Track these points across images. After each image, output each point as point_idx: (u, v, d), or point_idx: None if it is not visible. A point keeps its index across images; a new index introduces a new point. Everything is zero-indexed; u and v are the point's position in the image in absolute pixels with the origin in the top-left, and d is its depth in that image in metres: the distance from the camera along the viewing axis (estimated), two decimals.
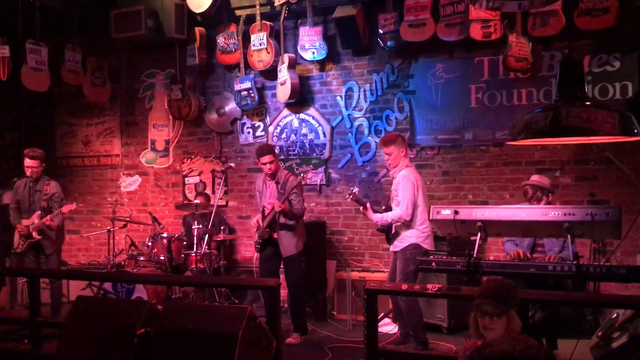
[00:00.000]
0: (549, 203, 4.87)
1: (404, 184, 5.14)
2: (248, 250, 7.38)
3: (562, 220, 3.76)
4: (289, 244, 5.59)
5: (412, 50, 6.50)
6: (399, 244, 5.23)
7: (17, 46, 6.49)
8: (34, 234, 6.04)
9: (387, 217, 5.20)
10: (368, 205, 5.36)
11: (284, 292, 6.05)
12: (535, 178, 5.02)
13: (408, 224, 5.17)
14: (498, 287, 2.89)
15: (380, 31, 6.32)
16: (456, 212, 4.05)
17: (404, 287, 4.20)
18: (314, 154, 7.08)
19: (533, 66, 5.89)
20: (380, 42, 6.43)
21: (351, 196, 5.40)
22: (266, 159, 5.61)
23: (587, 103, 3.29)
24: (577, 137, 3.13)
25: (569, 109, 2.45)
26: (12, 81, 6.53)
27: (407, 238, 5.19)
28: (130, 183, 8.06)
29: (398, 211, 5.12)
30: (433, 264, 4.23)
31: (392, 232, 5.30)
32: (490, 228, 4.06)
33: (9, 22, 6.45)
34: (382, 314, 5.63)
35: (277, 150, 6.85)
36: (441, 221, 4.16)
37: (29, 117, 8.48)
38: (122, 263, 6.67)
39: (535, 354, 1.57)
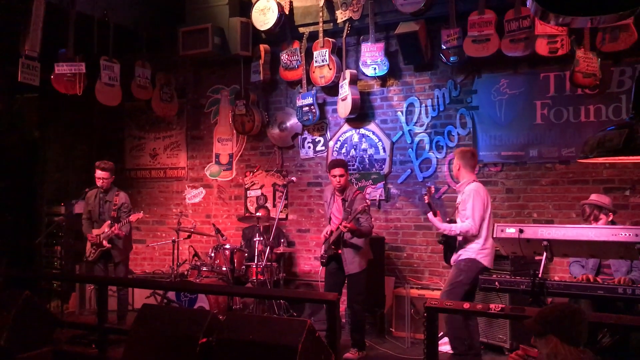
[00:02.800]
0: (612, 222, 4.70)
1: (475, 198, 5.07)
2: (307, 264, 7.44)
3: (634, 241, 3.63)
4: (352, 261, 5.60)
5: (475, 65, 6.44)
6: (456, 257, 5.18)
7: (92, 63, 6.80)
8: (104, 242, 6.30)
9: (456, 228, 5.11)
10: (438, 212, 5.32)
11: (342, 307, 6.07)
12: (593, 197, 4.88)
13: (470, 239, 5.09)
14: (547, 308, 2.85)
15: (443, 47, 6.29)
16: (521, 231, 3.97)
17: (466, 305, 4.13)
18: (374, 169, 7.08)
19: (602, 82, 5.72)
20: (443, 57, 6.39)
21: (426, 195, 5.31)
22: (337, 171, 5.65)
23: None
24: None
25: None
26: (86, 96, 6.85)
27: (465, 252, 5.12)
28: (194, 195, 8.28)
29: (467, 224, 5.03)
30: (496, 283, 4.15)
31: (456, 244, 5.22)
32: (557, 248, 3.95)
33: (85, 40, 6.78)
34: (442, 333, 5.55)
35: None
36: (505, 239, 4.08)
37: (100, 130, 8.87)
38: (185, 273, 6.85)
39: None
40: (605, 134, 2.51)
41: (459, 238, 5.17)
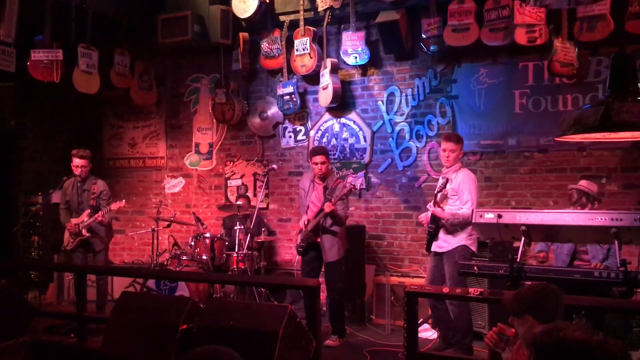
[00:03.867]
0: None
1: (470, 183, 5.03)
2: (288, 253, 7.44)
3: (610, 225, 3.68)
4: (331, 249, 5.61)
5: (455, 55, 6.48)
6: (445, 245, 5.07)
7: (69, 50, 6.70)
8: (84, 231, 6.22)
9: (459, 215, 4.95)
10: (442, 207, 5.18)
11: (323, 295, 6.08)
12: (583, 183, 4.92)
13: (458, 226, 5.02)
14: (524, 289, 2.90)
15: (423, 36, 6.31)
16: (499, 216, 4.01)
17: (445, 290, 4.18)
18: (354, 158, 7.10)
19: (579, 72, 5.79)
20: (423, 47, 6.42)
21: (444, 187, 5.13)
22: (318, 158, 5.64)
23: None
24: (629, 133, 3.04)
25: (621, 104, 2.40)
26: (64, 84, 6.75)
27: (455, 239, 5.03)
28: (174, 185, 8.23)
29: (467, 210, 4.91)
30: (475, 268, 4.18)
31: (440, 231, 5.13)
32: (535, 233, 4.00)
33: (63, 27, 6.67)
34: (422, 319, 5.60)
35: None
36: (484, 225, 4.11)
37: (79, 119, 8.76)
38: (165, 262, 6.80)
39: (613, 348, 1.46)
40: (582, 111, 2.55)
41: (453, 223, 5.04)
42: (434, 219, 5.12)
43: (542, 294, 2.74)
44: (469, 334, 5.08)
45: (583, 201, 4.76)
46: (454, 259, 4.96)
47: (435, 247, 5.17)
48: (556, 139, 3.60)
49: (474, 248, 5.08)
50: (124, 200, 6.27)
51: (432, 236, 5.18)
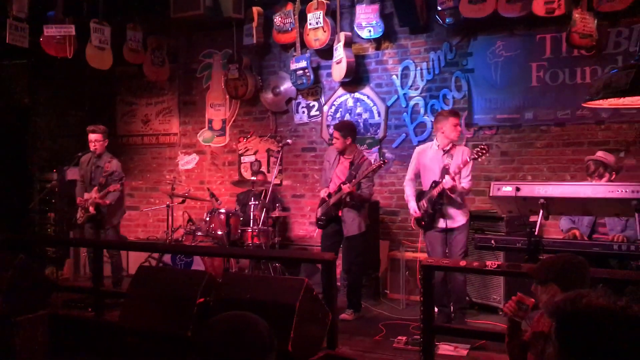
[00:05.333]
0: (611, 182, 4.70)
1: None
2: (301, 229, 7.44)
3: (630, 197, 3.63)
4: (352, 223, 5.60)
5: (471, 27, 6.37)
6: (459, 219, 5.19)
7: (82, 26, 6.68)
8: (91, 208, 6.22)
9: (466, 187, 5.18)
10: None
11: (338, 270, 6.09)
12: (600, 153, 4.84)
13: (461, 201, 5.21)
14: (553, 257, 2.92)
15: (439, 8, 6.22)
16: (517, 189, 3.96)
17: (462, 263, 4.16)
18: (368, 134, 7.05)
19: (598, 43, 5.68)
20: (439, 19, 6.33)
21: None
22: (335, 134, 5.70)
23: None
24: None
25: None
26: (77, 61, 6.74)
27: (462, 215, 5.21)
28: (187, 161, 8.23)
29: (469, 184, 5.18)
30: (492, 241, 4.16)
31: (444, 208, 5.19)
32: (553, 206, 3.95)
33: (75, 2, 6.65)
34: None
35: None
36: (502, 198, 4.07)
37: (92, 95, 8.75)
38: (180, 238, 6.82)
39: (637, 311, 1.44)
40: (611, 75, 2.49)
41: (456, 197, 5.16)
42: (441, 195, 5.13)
43: (569, 264, 2.75)
44: (464, 298, 5.34)
45: (600, 171, 4.68)
46: (467, 231, 5.22)
47: (442, 223, 5.19)
48: (583, 104, 3.52)
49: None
50: (118, 185, 6.21)
51: (436, 213, 5.19)
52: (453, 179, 5.01)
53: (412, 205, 5.35)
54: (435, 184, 5.18)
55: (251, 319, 1.59)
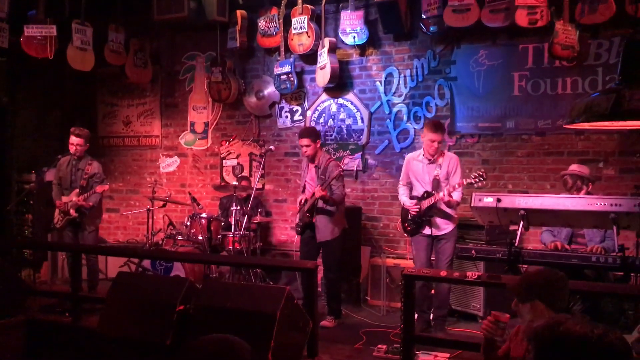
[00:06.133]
0: (588, 193, 4.77)
1: (459, 167, 5.25)
2: (283, 234, 7.43)
3: (609, 210, 3.69)
4: (324, 229, 5.61)
5: (454, 36, 6.41)
6: (446, 227, 5.22)
7: (63, 26, 6.59)
8: (72, 211, 6.14)
9: (458, 199, 5.18)
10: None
11: (319, 276, 6.09)
12: (574, 167, 4.93)
13: (449, 208, 5.21)
14: (532, 273, 2.92)
15: (423, 16, 6.25)
16: (499, 200, 4.01)
17: (443, 273, 4.18)
18: (352, 140, 7.06)
19: (579, 55, 5.74)
20: (423, 27, 6.35)
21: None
22: (303, 141, 5.67)
23: None
24: None
25: (633, 92, 2.37)
26: (58, 61, 6.65)
27: (450, 222, 5.23)
28: (169, 164, 8.17)
29: (460, 194, 5.17)
30: (473, 251, 4.19)
31: (433, 215, 5.23)
32: (533, 217, 4.00)
33: (56, 2, 6.56)
34: None
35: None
36: (483, 209, 4.12)
37: (73, 96, 8.64)
38: (160, 242, 6.77)
39: (613, 341, 1.46)
40: (592, 99, 2.52)
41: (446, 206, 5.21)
42: (431, 207, 5.19)
43: (551, 279, 2.73)
44: (446, 305, 5.37)
45: (578, 184, 4.76)
46: (454, 239, 5.22)
47: (428, 230, 5.25)
48: (565, 126, 3.56)
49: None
50: (107, 185, 6.15)
51: (423, 222, 5.24)
52: (450, 194, 5.06)
53: (406, 200, 5.39)
54: (428, 194, 5.22)
55: (235, 342, 1.58)
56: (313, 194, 5.56)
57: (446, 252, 5.18)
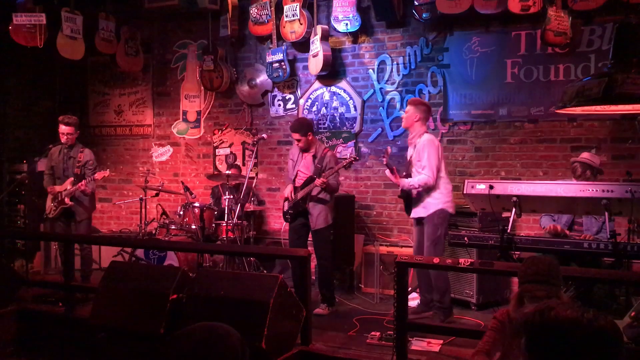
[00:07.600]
0: None
1: (430, 148, 5.10)
2: (276, 222, 7.42)
3: (600, 197, 3.69)
4: (318, 217, 5.61)
5: (447, 23, 6.39)
6: (423, 210, 5.17)
7: (53, 14, 6.52)
8: (67, 200, 6.10)
9: (414, 182, 5.12)
10: (395, 169, 5.26)
11: (312, 264, 6.09)
12: (586, 155, 4.86)
13: (432, 189, 5.12)
14: (548, 269, 2.69)
15: (416, 3, 6.22)
16: (491, 187, 4.01)
17: (436, 260, 4.18)
18: (344, 128, 7.04)
19: (572, 41, 5.75)
20: (415, 14, 6.33)
21: (385, 157, 5.21)
22: (295, 136, 5.67)
23: None
24: (632, 105, 2.98)
25: (625, 76, 2.36)
26: (48, 50, 6.58)
27: (432, 204, 5.13)
28: (161, 153, 8.13)
29: (424, 176, 5.06)
30: (465, 238, 4.20)
31: (414, 197, 5.23)
32: (526, 204, 4.01)
33: None
34: (410, 288, 5.63)
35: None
36: (475, 195, 4.12)
37: (63, 86, 8.58)
38: (154, 231, 6.76)
39: (604, 324, 1.46)
40: (584, 83, 2.51)
41: (418, 190, 5.17)
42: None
43: (557, 265, 2.71)
44: (447, 292, 5.22)
45: (587, 174, 4.71)
46: (433, 222, 5.12)
47: (414, 213, 5.27)
48: (557, 110, 3.56)
49: (450, 210, 5.21)
50: (108, 170, 6.12)
51: (408, 200, 5.29)
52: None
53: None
54: (407, 176, 5.25)
55: (223, 330, 1.57)
56: (310, 180, 5.56)
57: (427, 235, 5.14)
